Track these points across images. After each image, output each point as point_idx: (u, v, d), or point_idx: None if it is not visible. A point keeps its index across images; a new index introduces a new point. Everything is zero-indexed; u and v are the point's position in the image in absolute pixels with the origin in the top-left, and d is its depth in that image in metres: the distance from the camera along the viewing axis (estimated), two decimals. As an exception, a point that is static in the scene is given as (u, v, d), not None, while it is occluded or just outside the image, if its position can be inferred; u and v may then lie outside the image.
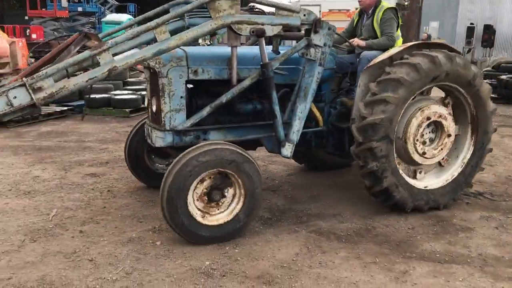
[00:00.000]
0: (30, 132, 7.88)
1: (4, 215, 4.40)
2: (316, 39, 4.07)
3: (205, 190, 3.80)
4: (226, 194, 3.87)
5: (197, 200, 3.80)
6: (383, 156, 4.27)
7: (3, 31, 19.14)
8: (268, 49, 4.44)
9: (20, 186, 5.19)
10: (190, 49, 4.15)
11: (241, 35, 3.80)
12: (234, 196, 3.89)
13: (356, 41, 4.92)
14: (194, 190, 3.74)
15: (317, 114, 4.64)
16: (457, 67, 4.42)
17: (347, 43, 4.99)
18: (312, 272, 3.50)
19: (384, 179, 4.33)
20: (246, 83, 4.04)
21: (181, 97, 4.00)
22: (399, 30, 5.06)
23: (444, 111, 4.58)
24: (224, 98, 4.01)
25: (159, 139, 4.03)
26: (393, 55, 4.43)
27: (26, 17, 29.03)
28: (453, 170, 4.80)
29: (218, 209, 3.87)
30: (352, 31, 5.29)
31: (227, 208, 3.89)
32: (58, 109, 9.26)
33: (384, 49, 4.79)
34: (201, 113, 4.03)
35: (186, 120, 4.03)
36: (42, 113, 8.78)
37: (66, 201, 4.80)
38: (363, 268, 3.58)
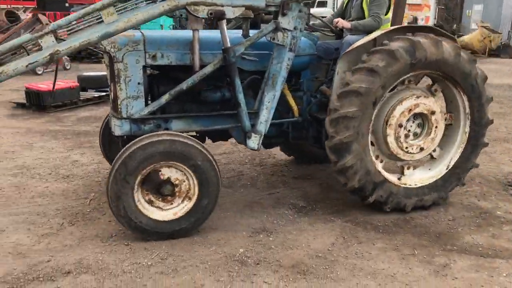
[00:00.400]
0: (70, 117, 8.04)
1: (44, 198, 4.51)
2: (285, 22, 3.74)
3: (159, 195, 3.67)
4: (168, 174, 3.63)
5: (166, 204, 3.70)
6: (389, 196, 4.13)
7: (44, 18, 19.61)
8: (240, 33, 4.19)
9: (59, 170, 5.31)
10: (149, 33, 3.92)
11: (198, 17, 3.52)
12: (176, 169, 3.65)
13: (340, 21, 4.53)
14: (156, 210, 3.67)
15: (292, 103, 4.34)
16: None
17: (336, 27, 4.61)
18: (348, 263, 3.42)
19: (406, 207, 4.22)
20: (208, 69, 3.75)
21: (139, 83, 3.77)
22: (390, 13, 4.66)
23: (412, 101, 4.08)
24: (184, 85, 3.76)
25: (117, 127, 3.83)
26: (377, 39, 4.05)
27: (67, 4, 29.63)
28: (463, 127, 4.38)
29: (184, 182, 3.68)
30: (342, 14, 4.92)
31: (187, 181, 3.67)
32: (96, 94, 9.41)
33: (369, 30, 4.48)
34: (159, 101, 3.80)
35: (144, 108, 3.82)
36: (81, 98, 8.95)
37: (104, 185, 4.87)
38: (401, 260, 3.48)
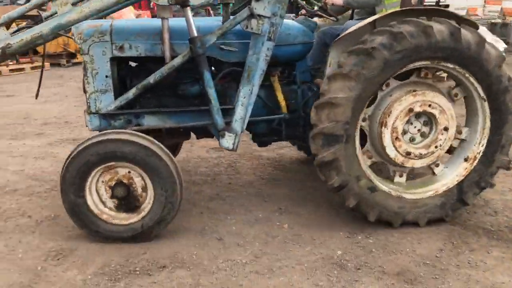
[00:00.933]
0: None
1: (136, 186, 4.54)
2: (259, 8, 3.33)
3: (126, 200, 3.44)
4: (104, 185, 3.42)
5: (138, 195, 3.45)
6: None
7: (130, 5, 20.26)
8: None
9: (150, 158, 5.34)
10: (117, 22, 3.67)
11: (159, 4, 3.30)
12: (102, 174, 3.41)
13: None
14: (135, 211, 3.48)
15: (280, 98, 3.86)
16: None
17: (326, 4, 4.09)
18: (461, 273, 3.08)
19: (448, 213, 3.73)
20: (177, 61, 3.44)
21: (106, 76, 3.56)
22: None
23: (399, 107, 3.48)
24: (151, 79, 3.49)
25: (88, 122, 3.65)
26: (376, 22, 3.50)
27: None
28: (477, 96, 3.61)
29: (124, 171, 3.42)
30: None
31: (123, 168, 3.40)
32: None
33: (367, 8, 4.02)
34: (126, 95, 3.56)
35: (112, 103, 3.60)
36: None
37: (193, 175, 4.84)
38: (523, 274, 3.08)
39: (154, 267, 3.17)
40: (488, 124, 3.64)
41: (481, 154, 3.69)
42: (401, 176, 3.76)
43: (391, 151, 3.57)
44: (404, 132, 3.58)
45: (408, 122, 3.58)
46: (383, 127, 3.51)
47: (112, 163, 3.33)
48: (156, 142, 3.41)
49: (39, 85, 3.98)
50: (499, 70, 3.52)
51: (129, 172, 3.38)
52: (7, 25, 3.42)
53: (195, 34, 3.37)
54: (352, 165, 3.49)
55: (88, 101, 3.62)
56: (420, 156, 3.62)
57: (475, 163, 3.70)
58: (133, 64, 3.97)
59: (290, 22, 3.91)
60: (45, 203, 4.16)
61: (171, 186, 3.36)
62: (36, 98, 4.08)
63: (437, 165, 3.79)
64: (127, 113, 3.66)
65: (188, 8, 3.35)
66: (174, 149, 4.91)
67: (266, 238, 3.54)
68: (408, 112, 3.50)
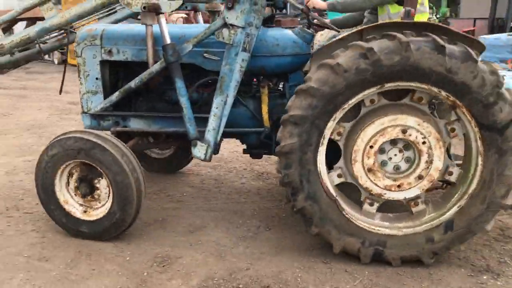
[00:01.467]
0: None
1: (241, 195, 4.48)
2: (231, 17, 3.25)
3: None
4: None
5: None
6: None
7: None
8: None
9: (254, 166, 5.29)
10: (108, 27, 3.82)
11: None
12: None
13: (311, 0, 3.82)
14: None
15: (264, 111, 3.75)
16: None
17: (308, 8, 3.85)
18: None
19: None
20: (156, 67, 3.47)
21: (97, 78, 3.75)
22: (400, 8, 3.61)
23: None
24: (133, 84, 3.58)
25: (83, 120, 3.86)
26: (363, 33, 3.12)
27: None
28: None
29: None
30: None
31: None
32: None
33: (353, 11, 3.86)
34: (111, 98, 3.70)
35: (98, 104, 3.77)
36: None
37: (297, 188, 4.68)
38: None
39: (257, 286, 3.04)
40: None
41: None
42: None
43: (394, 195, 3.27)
44: (397, 168, 3.23)
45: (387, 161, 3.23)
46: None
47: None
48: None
49: (63, 81, 4.21)
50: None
51: (69, 175, 3.51)
52: (5, 27, 3.81)
53: (168, 41, 3.39)
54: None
55: (80, 100, 3.86)
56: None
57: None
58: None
59: (279, 32, 3.73)
60: (154, 205, 4.25)
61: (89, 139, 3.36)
62: (60, 94, 4.27)
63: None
64: (115, 115, 3.82)
65: (162, 15, 3.36)
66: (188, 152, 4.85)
67: (377, 267, 3.26)
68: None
